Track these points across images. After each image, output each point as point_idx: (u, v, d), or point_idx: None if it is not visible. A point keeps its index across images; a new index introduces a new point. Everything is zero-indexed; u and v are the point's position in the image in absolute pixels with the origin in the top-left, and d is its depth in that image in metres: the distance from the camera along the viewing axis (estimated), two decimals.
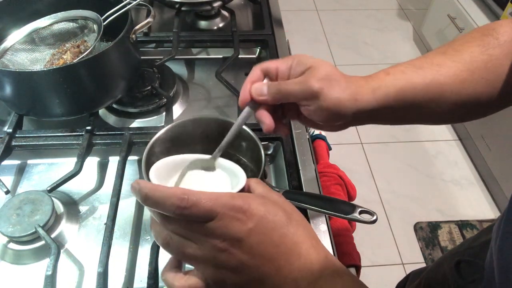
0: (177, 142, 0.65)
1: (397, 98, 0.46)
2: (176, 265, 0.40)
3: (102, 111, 0.84)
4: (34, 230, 0.60)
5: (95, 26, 0.78)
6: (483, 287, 0.48)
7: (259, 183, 0.41)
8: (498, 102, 0.50)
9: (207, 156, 0.48)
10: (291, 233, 0.36)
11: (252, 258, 0.34)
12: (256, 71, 0.48)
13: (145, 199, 0.34)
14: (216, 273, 0.35)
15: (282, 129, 0.51)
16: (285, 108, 0.51)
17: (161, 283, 0.59)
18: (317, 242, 0.38)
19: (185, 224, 0.35)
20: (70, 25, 0.81)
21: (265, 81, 0.48)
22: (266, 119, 0.47)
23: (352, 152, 2.07)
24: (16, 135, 0.74)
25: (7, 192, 0.67)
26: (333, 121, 0.47)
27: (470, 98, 0.48)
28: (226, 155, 0.66)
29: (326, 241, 0.63)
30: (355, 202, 0.60)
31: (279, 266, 0.35)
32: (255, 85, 0.47)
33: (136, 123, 0.83)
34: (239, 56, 0.91)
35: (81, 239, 0.65)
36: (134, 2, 0.77)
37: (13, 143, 0.73)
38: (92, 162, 0.76)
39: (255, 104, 0.47)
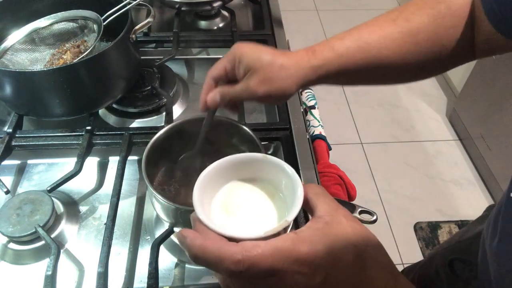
0: (176, 142, 0.65)
1: (338, 73, 0.50)
2: None
3: (102, 111, 0.84)
4: (34, 230, 0.60)
5: (95, 26, 0.78)
6: (477, 284, 0.48)
7: (319, 196, 0.35)
8: (439, 68, 0.53)
9: (252, 156, 0.42)
10: (367, 280, 0.31)
11: None
12: (208, 81, 0.53)
13: (195, 260, 0.31)
14: None
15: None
16: None
17: (161, 283, 0.59)
18: (396, 282, 0.33)
19: (246, 278, 0.31)
20: (70, 25, 0.81)
21: (217, 89, 0.53)
22: (229, 110, 0.56)
23: (352, 152, 2.07)
24: (16, 135, 0.74)
25: (7, 192, 0.67)
26: (281, 103, 0.56)
27: (409, 65, 0.50)
28: (226, 154, 0.67)
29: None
30: (355, 202, 0.60)
31: None
32: (210, 96, 0.52)
33: (136, 123, 0.83)
34: None
35: (81, 239, 0.65)
36: (134, 2, 0.77)
37: (13, 143, 0.73)
38: (92, 162, 0.76)
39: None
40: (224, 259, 0.29)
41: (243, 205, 0.40)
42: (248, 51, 0.49)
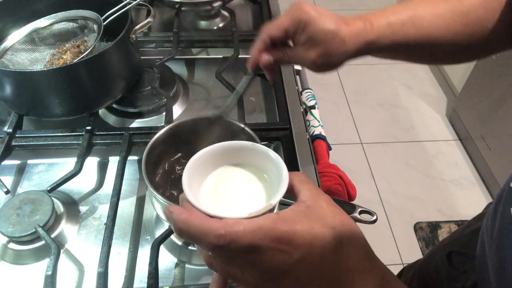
0: (177, 142, 0.65)
1: (390, 49, 0.52)
2: (222, 285, 0.37)
3: (102, 111, 0.84)
4: (34, 230, 0.60)
5: (95, 26, 0.79)
6: (475, 277, 0.48)
7: (303, 183, 0.36)
8: (485, 49, 0.54)
9: (244, 144, 0.43)
10: (341, 259, 0.32)
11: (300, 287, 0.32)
12: (265, 38, 0.53)
13: (180, 233, 0.32)
14: None
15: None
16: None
17: (161, 283, 0.59)
18: (371, 263, 0.34)
19: (227, 253, 0.32)
20: (70, 25, 0.81)
21: (273, 52, 0.54)
22: (270, 76, 0.58)
23: (352, 152, 2.07)
24: (16, 135, 0.74)
25: (7, 192, 0.67)
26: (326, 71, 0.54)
27: (458, 46, 0.52)
28: None
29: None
30: (355, 202, 0.60)
31: None
32: (265, 57, 0.53)
33: (136, 123, 0.83)
34: (239, 56, 0.91)
35: (81, 239, 0.65)
36: (134, 2, 0.77)
37: (13, 143, 0.73)
38: (92, 162, 0.76)
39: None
40: (207, 233, 0.30)
41: (232, 189, 0.41)
42: (314, 18, 0.49)
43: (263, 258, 0.31)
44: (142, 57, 0.86)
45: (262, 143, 0.60)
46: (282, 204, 0.44)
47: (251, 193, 0.40)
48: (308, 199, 0.35)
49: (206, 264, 0.35)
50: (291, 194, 0.37)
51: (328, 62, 0.51)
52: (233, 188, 0.41)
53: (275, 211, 0.35)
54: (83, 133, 0.74)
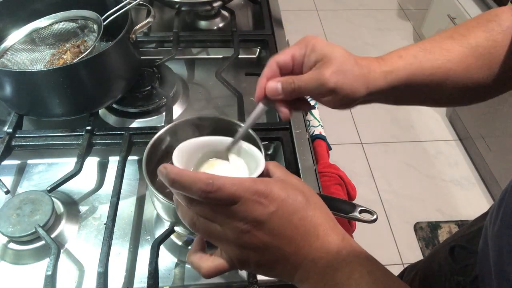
0: (177, 142, 0.65)
1: (407, 83, 0.48)
2: (201, 247, 0.42)
3: (102, 111, 0.84)
4: (34, 230, 0.60)
5: (95, 26, 0.78)
6: (476, 271, 0.48)
7: (277, 167, 0.42)
8: (498, 86, 0.52)
9: (228, 139, 0.49)
10: (309, 215, 0.38)
11: (273, 239, 0.36)
12: (272, 65, 0.47)
13: (172, 182, 0.36)
14: (239, 252, 0.37)
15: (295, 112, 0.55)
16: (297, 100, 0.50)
17: (161, 283, 0.59)
18: (335, 224, 0.39)
19: (210, 207, 0.36)
20: (70, 25, 0.81)
21: (280, 78, 0.47)
22: (283, 110, 0.48)
23: (352, 152, 2.07)
24: (16, 135, 0.74)
25: (7, 192, 0.67)
26: (344, 106, 0.48)
27: (473, 82, 0.50)
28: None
29: None
30: (355, 202, 0.60)
31: (299, 246, 0.37)
32: (270, 84, 0.46)
33: (136, 123, 0.83)
34: (239, 56, 0.91)
35: (81, 239, 0.65)
36: (134, 2, 0.77)
37: (13, 143, 0.73)
38: (92, 162, 0.76)
39: (269, 99, 0.48)
40: (197, 181, 0.35)
41: (215, 168, 0.48)
42: (321, 43, 0.46)
43: (243, 209, 0.35)
44: (142, 57, 0.86)
45: (263, 143, 0.60)
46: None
47: (234, 172, 0.47)
48: (282, 176, 0.41)
49: (189, 225, 0.39)
50: (266, 176, 0.42)
51: (346, 84, 0.45)
52: (218, 167, 0.47)
53: None
54: (83, 133, 0.74)
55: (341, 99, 0.46)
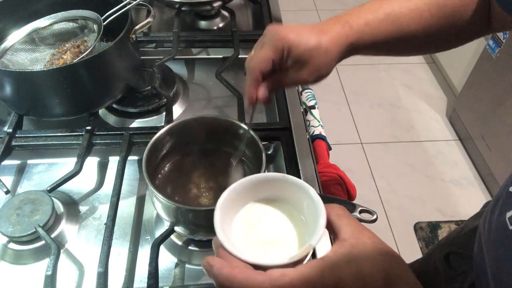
0: (177, 142, 0.65)
1: (370, 46, 0.53)
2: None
3: (102, 111, 0.84)
4: (34, 230, 0.60)
5: (95, 26, 0.78)
6: (473, 278, 0.48)
7: (342, 218, 0.35)
8: (458, 42, 0.56)
9: (272, 176, 0.42)
10: None
11: None
12: (256, 75, 0.52)
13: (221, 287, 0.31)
14: None
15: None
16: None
17: (161, 283, 0.59)
18: None
19: None
20: (70, 25, 0.81)
21: (265, 84, 0.54)
22: (267, 103, 0.55)
23: (352, 152, 2.07)
24: (16, 135, 0.74)
25: (7, 192, 0.67)
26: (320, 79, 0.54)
27: (434, 38, 0.54)
28: (227, 154, 0.67)
29: (326, 242, 0.63)
30: (355, 202, 0.60)
31: None
32: (261, 91, 0.53)
33: (136, 123, 0.83)
34: (239, 56, 0.91)
35: (81, 239, 0.65)
36: (134, 2, 0.77)
37: (13, 143, 0.73)
38: (92, 162, 0.76)
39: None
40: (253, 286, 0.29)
41: (263, 226, 0.40)
42: (295, 41, 0.50)
43: None
44: (142, 57, 0.86)
45: (263, 143, 0.60)
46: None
47: (284, 230, 0.39)
48: (351, 236, 0.33)
49: None
50: (328, 229, 0.35)
51: (319, 75, 0.53)
52: (265, 225, 0.40)
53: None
54: (83, 133, 0.74)
55: (317, 81, 0.53)
